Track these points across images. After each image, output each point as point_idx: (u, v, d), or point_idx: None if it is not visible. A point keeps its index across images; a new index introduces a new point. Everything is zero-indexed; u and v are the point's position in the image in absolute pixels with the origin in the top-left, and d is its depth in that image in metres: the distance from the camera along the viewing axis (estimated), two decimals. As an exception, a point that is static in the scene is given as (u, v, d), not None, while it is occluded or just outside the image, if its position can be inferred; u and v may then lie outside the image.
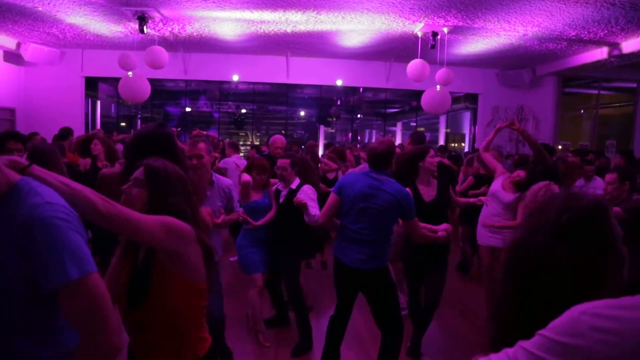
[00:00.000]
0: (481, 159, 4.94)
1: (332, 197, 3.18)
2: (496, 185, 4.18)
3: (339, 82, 10.87)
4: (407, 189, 3.11)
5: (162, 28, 8.10)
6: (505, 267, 1.02)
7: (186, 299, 1.64)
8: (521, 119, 10.93)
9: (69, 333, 1.23)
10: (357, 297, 3.28)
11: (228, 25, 7.95)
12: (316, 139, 13.85)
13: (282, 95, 13.20)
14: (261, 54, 10.29)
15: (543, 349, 0.81)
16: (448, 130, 14.25)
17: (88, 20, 7.73)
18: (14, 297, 1.15)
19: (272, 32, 8.38)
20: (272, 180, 3.94)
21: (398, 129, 17.47)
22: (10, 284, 1.13)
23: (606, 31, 7.31)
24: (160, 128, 2.84)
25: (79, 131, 8.20)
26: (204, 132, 7.54)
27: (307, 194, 3.50)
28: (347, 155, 7.00)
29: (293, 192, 3.67)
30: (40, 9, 6.99)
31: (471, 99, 11.83)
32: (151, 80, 8.53)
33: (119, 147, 6.37)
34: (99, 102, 11.96)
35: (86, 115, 11.08)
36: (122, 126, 13.36)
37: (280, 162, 3.70)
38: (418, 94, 9.10)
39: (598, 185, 5.60)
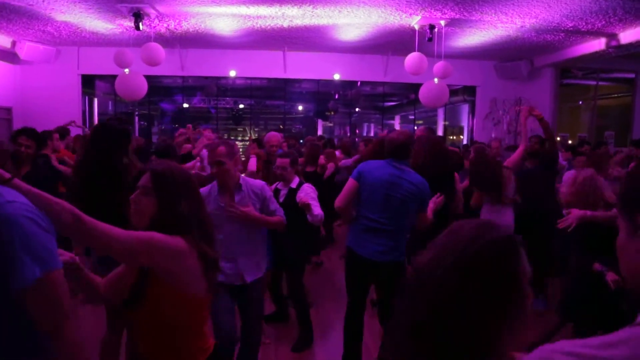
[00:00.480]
0: (479, 151, 4.93)
1: (351, 183, 3.12)
2: None
3: (337, 77, 10.84)
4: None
5: (158, 24, 8.06)
6: (406, 289, 0.94)
7: (182, 311, 1.60)
8: (519, 111, 10.90)
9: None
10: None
11: (224, 20, 7.91)
12: (314, 134, 13.84)
13: (279, 90, 13.17)
14: (258, 49, 10.24)
15: None
16: (446, 122, 14.22)
17: (83, 17, 7.68)
18: None
19: (269, 27, 8.34)
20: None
21: (396, 122, 17.45)
22: None
23: (604, 22, 7.28)
24: (117, 123, 2.91)
25: (76, 129, 8.16)
26: (198, 129, 7.46)
27: (308, 194, 3.49)
28: (360, 148, 6.95)
29: (293, 191, 3.67)
30: (34, 7, 6.95)
31: (469, 92, 11.80)
32: (148, 77, 8.50)
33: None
34: (96, 100, 11.91)
35: (83, 113, 11.04)
36: (120, 123, 13.33)
37: (280, 161, 3.67)
38: (416, 87, 9.07)
39: None
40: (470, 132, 12.05)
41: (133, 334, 1.65)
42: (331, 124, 17.45)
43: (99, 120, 12.08)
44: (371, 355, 3.66)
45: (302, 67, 10.71)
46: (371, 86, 13.19)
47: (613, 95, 13.15)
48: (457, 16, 7.28)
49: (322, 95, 14.05)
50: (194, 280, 1.58)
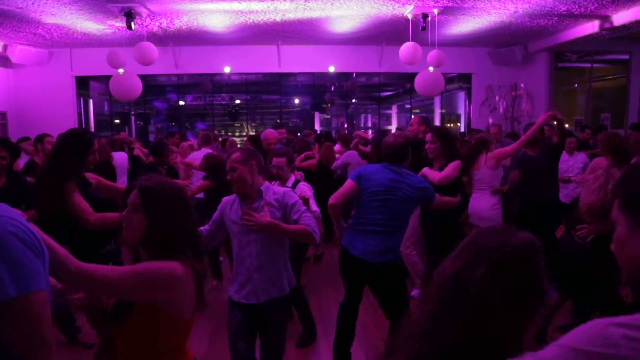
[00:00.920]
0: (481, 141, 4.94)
1: (349, 183, 3.14)
2: None
3: (332, 69, 10.81)
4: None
5: (150, 23, 8.02)
6: (437, 296, 1.04)
7: (168, 335, 1.58)
8: (515, 96, 10.92)
9: None
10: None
11: (217, 17, 7.87)
12: (312, 127, 13.83)
13: (275, 84, 13.13)
14: (252, 44, 10.20)
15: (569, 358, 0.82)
16: (443, 110, 14.22)
17: (74, 19, 7.64)
18: None
19: (262, 22, 8.31)
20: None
21: (393, 112, 17.43)
22: None
23: (596, 4, 7.25)
24: (78, 132, 2.96)
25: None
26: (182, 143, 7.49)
27: (304, 192, 3.50)
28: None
29: None
30: (23, 10, 6.90)
31: (465, 79, 11.78)
32: (143, 76, 8.47)
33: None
34: (91, 101, 11.88)
35: (79, 114, 11.02)
36: (116, 123, 13.31)
37: (276, 161, 3.64)
38: (412, 76, 9.05)
39: (580, 159, 5.69)
40: (468, 119, 12.05)
41: (116, 349, 1.62)
42: (328, 116, 17.44)
43: (95, 121, 12.07)
44: (375, 344, 3.70)
45: (296, 60, 10.68)
46: (367, 77, 13.16)
47: (608, 77, 13.13)
48: (450, 4, 7.25)
49: (318, 87, 14.03)
50: (188, 304, 1.57)
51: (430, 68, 8.22)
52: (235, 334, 2.59)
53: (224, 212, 2.66)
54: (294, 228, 2.54)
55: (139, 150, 6.63)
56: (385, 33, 9.22)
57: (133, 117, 14.40)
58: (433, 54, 8.02)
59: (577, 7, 7.37)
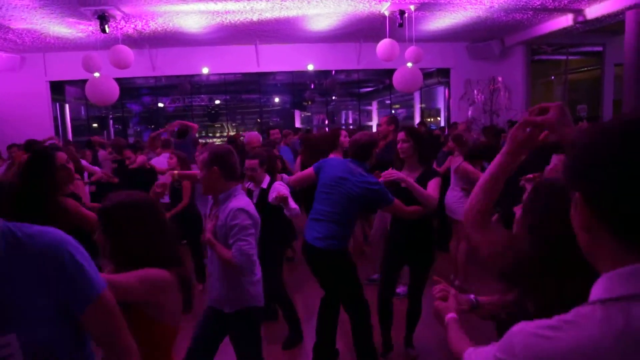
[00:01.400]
0: (457, 139, 4.96)
1: (309, 170, 3.31)
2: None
3: (310, 67, 10.78)
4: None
5: (125, 26, 7.89)
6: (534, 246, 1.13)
7: (157, 343, 1.61)
8: (493, 89, 11.04)
9: None
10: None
11: (192, 18, 7.78)
12: (292, 125, 13.78)
13: (254, 83, 13.05)
14: (229, 44, 10.11)
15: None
16: (423, 105, 14.30)
17: (45, 23, 7.48)
18: (47, 328, 1.15)
19: (238, 22, 8.24)
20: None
21: (374, 108, 17.49)
22: (41, 318, 1.14)
23: (569, -2, 7.38)
24: (36, 157, 2.82)
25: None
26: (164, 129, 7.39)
27: (281, 191, 3.49)
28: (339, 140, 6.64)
29: (265, 191, 3.67)
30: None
31: (443, 74, 11.87)
32: (120, 79, 8.33)
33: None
34: (67, 106, 11.65)
35: (55, 119, 10.81)
36: (94, 127, 13.09)
37: (249, 163, 3.65)
38: (391, 72, 9.06)
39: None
40: (448, 113, 12.15)
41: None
42: (309, 114, 17.41)
43: (72, 126, 11.84)
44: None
45: (275, 59, 10.62)
46: (346, 74, 13.16)
47: (583, 69, 13.38)
48: (427, 0, 7.28)
49: (297, 86, 13.99)
50: (175, 309, 1.63)
51: (409, 64, 8.25)
52: (196, 337, 2.60)
53: None
54: (223, 253, 2.44)
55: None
56: (362, 30, 9.23)
57: (111, 121, 14.18)
58: (411, 50, 8.05)
59: (551, 1, 7.48)
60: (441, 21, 8.78)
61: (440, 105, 13.68)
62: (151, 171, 5.56)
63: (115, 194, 1.63)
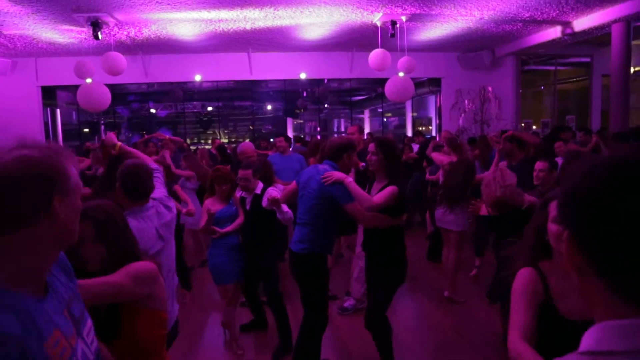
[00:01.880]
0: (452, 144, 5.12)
1: (293, 183, 3.42)
2: None
3: (303, 76, 10.83)
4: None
5: (118, 32, 7.89)
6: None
7: (150, 329, 1.68)
8: (484, 99, 11.17)
9: None
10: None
11: (185, 25, 7.81)
12: (285, 132, 13.80)
13: (247, 90, 13.08)
14: (222, 51, 10.15)
15: None
16: (415, 114, 14.41)
17: (38, 29, 7.47)
18: None
19: (232, 30, 8.28)
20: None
21: (366, 116, 17.58)
22: None
23: (558, 11, 7.51)
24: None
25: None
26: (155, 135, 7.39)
27: (273, 194, 3.50)
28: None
29: (258, 197, 3.68)
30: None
31: (435, 83, 11.97)
32: (112, 85, 8.31)
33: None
34: (58, 111, 11.59)
35: (46, 124, 10.75)
36: (85, 133, 13.03)
37: (242, 173, 3.66)
38: (383, 80, 9.13)
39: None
40: (439, 122, 12.24)
41: None
42: (301, 122, 17.46)
43: (63, 131, 11.78)
44: (350, 351, 3.71)
45: (268, 67, 10.67)
46: (338, 82, 13.24)
47: (572, 80, 13.57)
48: (418, 11, 7.38)
49: (290, 93, 14.04)
50: (164, 298, 1.73)
51: (400, 73, 8.33)
52: None
53: None
54: None
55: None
56: (355, 40, 9.31)
57: (103, 126, 14.13)
58: (403, 60, 8.13)
59: (539, 13, 7.61)
60: (432, 32, 8.89)
61: (432, 114, 13.79)
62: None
63: (89, 203, 1.63)
